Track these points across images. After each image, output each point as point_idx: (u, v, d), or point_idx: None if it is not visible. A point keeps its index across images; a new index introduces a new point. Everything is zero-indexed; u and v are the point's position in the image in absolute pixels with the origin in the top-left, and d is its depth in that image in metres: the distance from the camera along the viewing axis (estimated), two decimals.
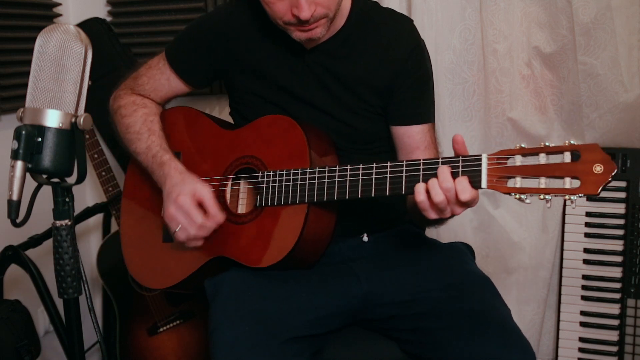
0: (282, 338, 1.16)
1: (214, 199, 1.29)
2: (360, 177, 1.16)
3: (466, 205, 1.05)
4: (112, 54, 2.14)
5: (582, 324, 1.96)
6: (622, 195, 1.92)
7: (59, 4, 2.16)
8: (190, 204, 1.27)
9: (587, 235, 1.96)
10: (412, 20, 1.39)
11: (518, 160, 0.99)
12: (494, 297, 1.27)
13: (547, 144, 0.97)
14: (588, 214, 1.96)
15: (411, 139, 1.37)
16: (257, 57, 1.38)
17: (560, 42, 1.89)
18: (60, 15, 2.18)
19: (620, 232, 1.92)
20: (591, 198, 1.95)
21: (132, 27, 2.19)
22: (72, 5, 2.27)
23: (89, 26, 2.12)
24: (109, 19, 2.22)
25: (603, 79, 1.85)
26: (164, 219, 1.33)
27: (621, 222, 1.92)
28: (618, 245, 1.92)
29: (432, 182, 1.05)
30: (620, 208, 1.92)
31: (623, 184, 1.92)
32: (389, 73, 1.33)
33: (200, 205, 1.29)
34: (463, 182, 1.02)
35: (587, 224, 1.96)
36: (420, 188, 1.06)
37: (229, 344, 1.15)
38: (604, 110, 1.88)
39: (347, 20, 1.34)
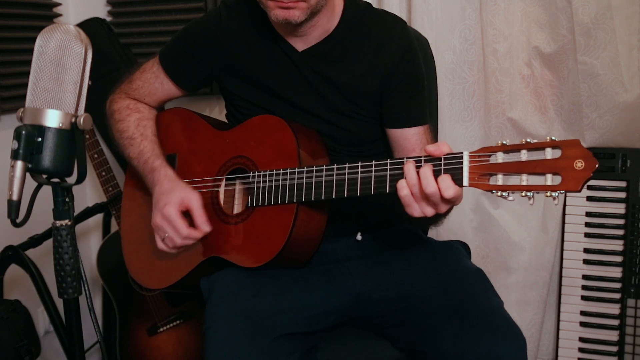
0: (274, 335, 1.17)
1: (201, 208, 1.30)
2: (346, 177, 1.16)
3: (450, 202, 1.05)
4: (112, 54, 2.14)
5: (582, 324, 1.96)
6: (622, 195, 1.92)
7: (59, 4, 2.16)
8: (176, 214, 1.29)
9: (587, 235, 1.96)
10: (404, 22, 1.39)
11: (500, 157, 0.98)
12: (485, 288, 1.27)
13: (529, 140, 0.96)
14: (588, 214, 1.96)
15: (407, 141, 1.37)
16: (248, 62, 1.38)
17: (560, 42, 1.89)
18: (60, 15, 2.18)
19: (620, 232, 1.92)
20: (590, 198, 1.95)
21: (132, 27, 2.19)
22: (72, 5, 2.27)
23: (89, 26, 2.12)
24: (109, 19, 2.22)
25: (603, 79, 1.85)
26: (153, 225, 1.34)
27: (621, 222, 1.92)
28: (618, 245, 1.92)
29: (401, 181, 1.05)
30: (620, 208, 1.92)
31: (623, 184, 1.92)
32: (381, 77, 1.33)
33: (189, 213, 1.30)
34: (446, 180, 1.01)
35: (587, 224, 1.96)
36: (402, 183, 1.05)
37: (222, 341, 1.16)
38: (604, 110, 1.88)
39: (339, 22, 1.34)
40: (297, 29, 1.29)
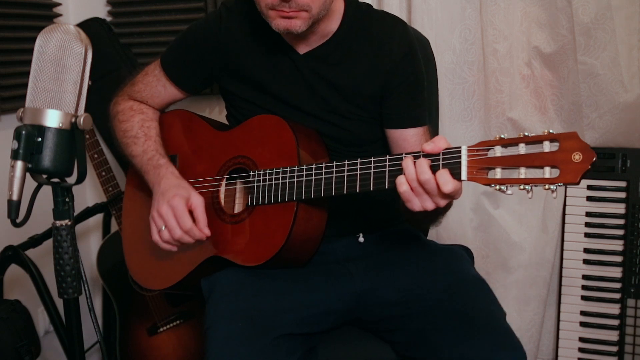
0: (275, 335, 1.17)
1: (204, 213, 1.30)
2: (345, 174, 1.17)
3: (450, 197, 1.05)
4: (112, 54, 2.14)
5: (582, 324, 1.96)
6: (622, 195, 1.92)
7: (59, 4, 2.16)
8: (183, 207, 1.28)
9: (587, 235, 1.96)
10: (405, 23, 1.39)
11: (498, 151, 0.98)
12: (487, 298, 1.27)
13: (526, 133, 0.96)
14: (588, 214, 1.96)
15: (406, 142, 1.37)
16: (248, 63, 1.38)
17: (560, 42, 1.89)
18: (60, 15, 2.18)
19: (620, 232, 1.92)
20: (590, 198, 1.95)
21: (132, 27, 2.19)
22: (72, 5, 2.27)
23: (89, 26, 2.12)
24: (109, 19, 2.22)
25: (603, 79, 1.85)
26: (151, 216, 1.33)
27: (621, 222, 1.92)
28: (618, 245, 1.92)
29: (400, 176, 1.06)
30: (620, 208, 1.92)
31: (623, 184, 1.92)
32: (381, 78, 1.33)
33: (190, 214, 1.30)
34: (445, 175, 1.01)
35: (587, 224, 1.96)
36: (401, 179, 1.06)
37: (223, 341, 1.16)
38: (604, 110, 1.88)
39: (340, 24, 1.34)
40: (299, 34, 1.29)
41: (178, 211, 1.28)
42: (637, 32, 1.85)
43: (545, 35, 1.92)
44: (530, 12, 1.92)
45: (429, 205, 1.05)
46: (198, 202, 1.30)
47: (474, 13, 1.92)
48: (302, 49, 1.35)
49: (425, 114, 1.40)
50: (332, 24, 1.33)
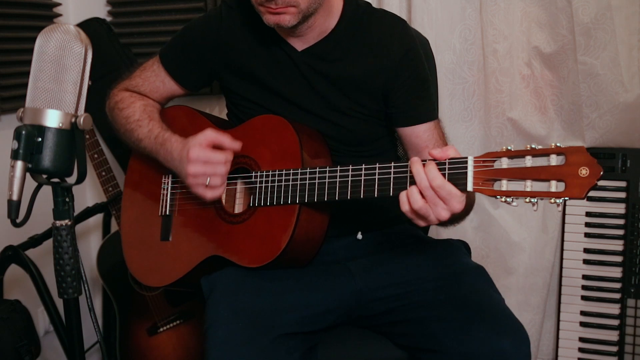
0: (275, 334, 1.17)
1: (219, 134, 1.27)
2: (350, 178, 1.17)
3: (449, 205, 1.03)
4: (112, 54, 2.14)
5: (582, 324, 1.96)
6: (622, 195, 1.92)
7: (59, 4, 2.16)
8: (204, 150, 1.25)
9: (587, 235, 1.96)
10: (405, 22, 1.39)
11: (504, 163, 0.98)
12: (485, 284, 1.28)
13: (533, 146, 0.96)
14: (588, 214, 1.96)
15: (418, 138, 1.37)
16: (249, 61, 1.39)
17: (560, 42, 1.89)
18: (60, 15, 2.18)
19: (620, 232, 1.92)
20: (590, 198, 1.95)
21: (132, 27, 2.19)
22: (72, 5, 2.27)
23: (89, 26, 2.13)
24: (109, 19, 2.22)
25: (603, 79, 1.85)
26: (189, 186, 1.29)
27: (621, 222, 1.92)
28: (618, 245, 1.92)
29: (411, 189, 1.05)
30: (620, 208, 1.92)
31: (623, 184, 1.92)
32: (382, 76, 1.33)
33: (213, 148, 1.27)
34: (432, 171, 1.01)
35: (587, 224, 1.96)
36: (403, 198, 1.05)
37: (223, 340, 1.16)
38: (604, 110, 1.88)
39: (339, 22, 1.34)
40: (293, 30, 1.29)
41: (202, 157, 1.24)
42: (637, 32, 1.85)
43: (545, 35, 1.92)
44: (530, 12, 1.92)
45: (444, 215, 1.04)
46: (208, 134, 1.26)
47: (474, 13, 1.92)
48: (300, 46, 1.35)
49: (434, 107, 1.41)
50: (330, 21, 1.33)
